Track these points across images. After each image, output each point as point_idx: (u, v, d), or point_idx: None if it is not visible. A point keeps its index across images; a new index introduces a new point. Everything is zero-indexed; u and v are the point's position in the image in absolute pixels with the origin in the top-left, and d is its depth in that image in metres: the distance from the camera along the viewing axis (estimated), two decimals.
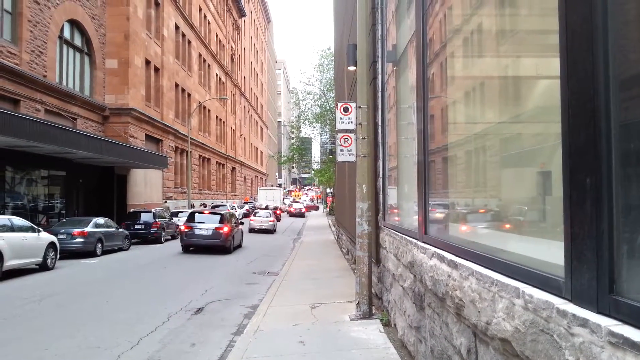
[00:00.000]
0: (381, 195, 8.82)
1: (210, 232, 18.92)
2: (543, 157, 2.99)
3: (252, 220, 30.98)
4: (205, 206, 35.72)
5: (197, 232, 18.97)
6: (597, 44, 2.01)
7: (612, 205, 1.94)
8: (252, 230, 29.67)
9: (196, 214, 20.00)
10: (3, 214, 16.23)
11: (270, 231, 30.71)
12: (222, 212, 20.78)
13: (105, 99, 26.30)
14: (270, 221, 30.96)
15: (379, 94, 8.92)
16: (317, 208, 73.72)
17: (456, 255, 3.78)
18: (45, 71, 20.85)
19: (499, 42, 3.80)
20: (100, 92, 26.01)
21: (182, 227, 19.54)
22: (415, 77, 5.54)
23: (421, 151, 5.17)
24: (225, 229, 19.15)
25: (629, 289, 1.89)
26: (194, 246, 19.30)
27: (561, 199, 2.25)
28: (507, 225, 3.55)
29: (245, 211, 44.06)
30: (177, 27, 36.30)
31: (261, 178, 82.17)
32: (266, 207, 40.15)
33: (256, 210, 34.08)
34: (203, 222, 19.16)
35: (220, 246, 19.05)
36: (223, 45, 52.87)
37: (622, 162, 1.95)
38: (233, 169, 58.07)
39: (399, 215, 7.48)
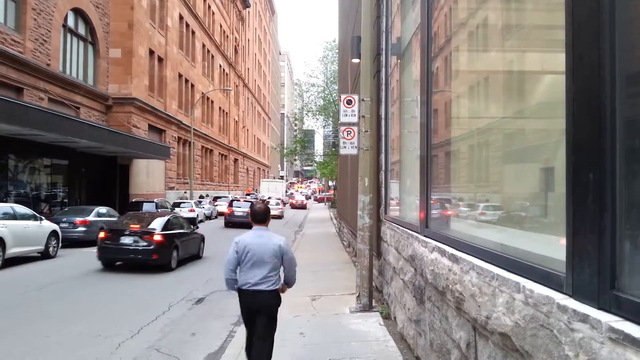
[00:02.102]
0: (383, 189, 8.81)
1: (244, 214, 25.87)
2: (546, 153, 2.98)
3: None
4: (202, 197, 36.24)
5: (236, 213, 27.12)
6: (603, 39, 1.99)
7: (615, 201, 1.94)
8: None
9: (234, 202, 29.06)
10: (6, 201, 16.28)
11: (279, 217, 36.87)
12: (251, 200, 28.75)
13: (108, 88, 26.27)
14: (279, 209, 38.05)
15: (383, 87, 8.89)
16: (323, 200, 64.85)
17: (457, 249, 3.78)
18: (49, 60, 20.82)
19: (504, 37, 3.77)
20: (104, 82, 25.98)
21: (227, 210, 28.26)
22: (420, 70, 5.51)
23: (424, 145, 5.16)
24: None
25: (631, 285, 1.88)
26: (232, 223, 26.67)
27: (563, 195, 2.25)
28: (509, 221, 3.55)
29: None
30: (181, 17, 36.18)
31: (263, 170, 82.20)
32: (269, 198, 43.21)
33: (268, 200, 40.35)
34: (240, 207, 27.20)
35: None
36: (227, 36, 52.70)
37: (626, 158, 1.94)
38: (235, 160, 58.07)
39: (401, 209, 7.48)
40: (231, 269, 4.52)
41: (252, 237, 4.60)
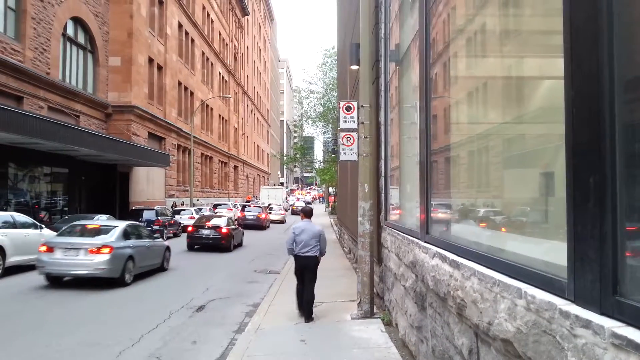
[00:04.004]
0: (383, 195, 8.80)
1: (255, 217, 32.13)
2: (546, 158, 2.98)
3: (269, 213, 39.36)
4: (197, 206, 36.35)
5: (247, 217, 31.98)
6: (602, 44, 1.99)
7: (616, 206, 1.93)
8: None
9: (245, 207, 34.39)
10: (6, 210, 16.25)
11: (282, 222, 39.69)
12: (260, 205, 35.09)
13: (108, 96, 26.31)
14: (282, 214, 41.59)
15: (382, 93, 8.90)
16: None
17: (458, 255, 3.77)
18: (49, 68, 20.87)
19: (502, 43, 3.78)
20: (103, 90, 26.03)
21: (240, 214, 32.33)
22: (418, 76, 5.52)
23: (423, 151, 5.16)
24: (263, 215, 33.01)
25: (633, 290, 1.87)
26: (245, 225, 28.88)
27: (564, 200, 2.24)
28: (510, 226, 3.54)
29: None
30: (180, 26, 36.29)
31: (263, 177, 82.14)
32: (270, 205, 44.31)
33: (271, 206, 43.55)
34: (251, 212, 32.69)
35: (260, 225, 31.83)
36: (226, 44, 52.85)
37: (626, 162, 1.93)
38: (235, 167, 58.06)
39: (401, 215, 7.46)
40: (290, 243, 7.92)
41: (304, 225, 7.99)
